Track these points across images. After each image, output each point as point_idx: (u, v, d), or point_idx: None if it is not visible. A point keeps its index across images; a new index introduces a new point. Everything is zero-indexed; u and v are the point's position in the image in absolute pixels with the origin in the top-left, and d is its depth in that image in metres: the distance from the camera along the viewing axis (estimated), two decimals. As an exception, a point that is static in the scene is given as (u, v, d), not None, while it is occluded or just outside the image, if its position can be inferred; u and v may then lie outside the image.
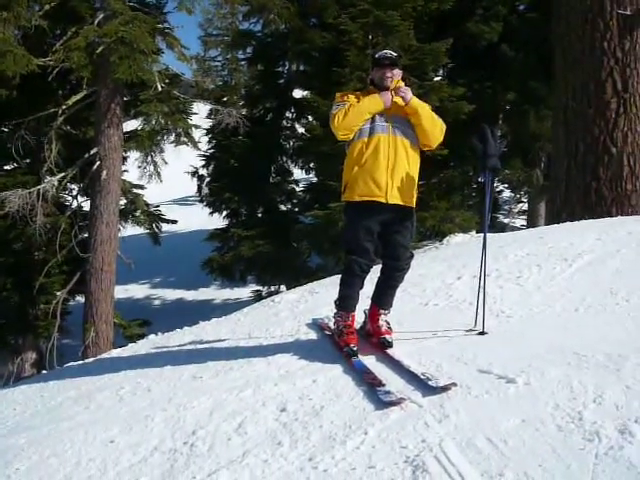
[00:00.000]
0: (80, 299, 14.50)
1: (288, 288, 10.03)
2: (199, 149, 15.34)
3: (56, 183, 13.14)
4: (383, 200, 4.41)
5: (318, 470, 3.09)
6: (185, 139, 14.11)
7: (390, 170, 4.40)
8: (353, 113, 4.41)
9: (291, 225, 14.94)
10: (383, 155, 4.39)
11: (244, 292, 17.06)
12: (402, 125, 4.48)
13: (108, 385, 5.14)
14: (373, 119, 4.46)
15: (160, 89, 12.48)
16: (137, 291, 19.45)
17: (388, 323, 4.73)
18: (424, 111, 4.48)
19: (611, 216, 9.25)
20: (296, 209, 15.74)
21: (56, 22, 12.86)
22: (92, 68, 11.96)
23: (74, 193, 14.88)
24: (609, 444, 2.80)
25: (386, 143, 4.41)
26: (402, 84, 4.60)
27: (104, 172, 12.64)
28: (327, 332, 5.20)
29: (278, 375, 4.39)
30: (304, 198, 15.55)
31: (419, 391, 3.72)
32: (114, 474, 3.48)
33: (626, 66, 10.09)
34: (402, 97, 4.44)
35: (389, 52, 4.62)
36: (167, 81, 13.29)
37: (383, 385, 3.85)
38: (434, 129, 4.52)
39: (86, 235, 13.72)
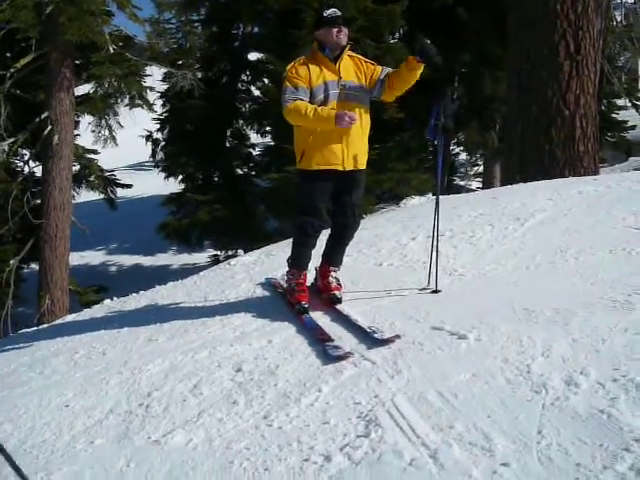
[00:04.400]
0: (34, 267, 14.30)
1: (245, 252, 10.01)
2: (154, 111, 15.10)
3: (6, 148, 12.87)
4: (340, 168, 4.46)
5: (273, 427, 3.13)
6: (140, 102, 13.87)
7: (345, 138, 4.41)
8: (305, 121, 4.31)
9: (248, 189, 14.87)
10: None
11: (201, 257, 16.98)
12: (354, 90, 4.46)
13: (62, 350, 5.09)
14: (326, 87, 4.38)
15: (112, 51, 12.22)
16: (93, 258, 19.20)
17: (338, 280, 4.83)
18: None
19: (564, 177, 9.39)
20: (252, 173, 15.63)
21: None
22: (40, 28, 11.63)
23: (25, 158, 14.59)
24: (555, 395, 2.89)
25: (340, 110, 4.38)
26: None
27: (56, 137, 12.40)
28: (279, 290, 5.25)
29: (233, 336, 4.41)
30: (260, 162, 15.45)
31: (365, 344, 3.84)
32: (69, 437, 3.47)
33: (579, 29, 10.15)
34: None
35: (336, 10, 4.46)
36: (120, 44, 13.02)
37: (332, 340, 3.96)
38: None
39: (39, 201, 13.49)
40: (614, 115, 18.26)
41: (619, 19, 17.15)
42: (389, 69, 4.58)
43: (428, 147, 16.06)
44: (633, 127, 18.11)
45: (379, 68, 4.57)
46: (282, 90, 4.42)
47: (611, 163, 17.41)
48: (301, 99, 4.31)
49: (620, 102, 18.70)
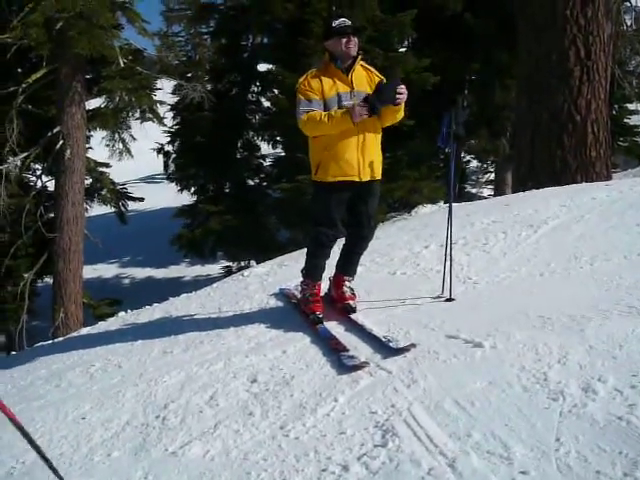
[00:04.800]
0: (48, 280, 14.36)
1: (258, 263, 10.02)
2: (164, 125, 15.19)
3: (19, 163, 12.96)
4: (357, 179, 4.45)
5: (289, 437, 3.13)
6: (150, 115, 13.95)
7: (360, 148, 4.40)
8: (323, 129, 4.29)
9: (259, 199, 14.92)
10: (352, 134, 4.36)
11: (214, 268, 17.04)
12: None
13: (78, 363, 5.11)
14: (340, 98, 4.37)
15: (122, 65, 12.30)
16: (106, 271, 19.30)
17: (352, 289, 4.82)
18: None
19: (576, 183, 9.35)
20: (264, 183, 15.68)
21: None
22: (51, 45, 11.72)
23: (38, 173, 14.67)
24: (573, 402, 2.87)
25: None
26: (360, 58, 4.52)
27: (68, 151, 12.47)
28: (293, 301, 5.25)
29: (248, 347, 4.42)
30: (271, 172, 15.51)
31: (380, 353, 3.83)
32: (87, 450, 3.49)
33: (589, 34, 10.14)
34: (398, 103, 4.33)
35: (345, 20, 4.42)
36: (130, 57, 13.10)
37: (347, 350, 3.95)
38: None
39: (52, 215, 13.56)
40: (626, 120, 18.19)
41: (629, 23, 17.11)
42: None
43: (439, 155, 16.08)
44: (645, 132, 18.05)
45: None
46: (296, 103, 4.41)
47: (623, 168, 17.32)
48: (314, 111, 4.32)
49: (632, 107, 18.63)
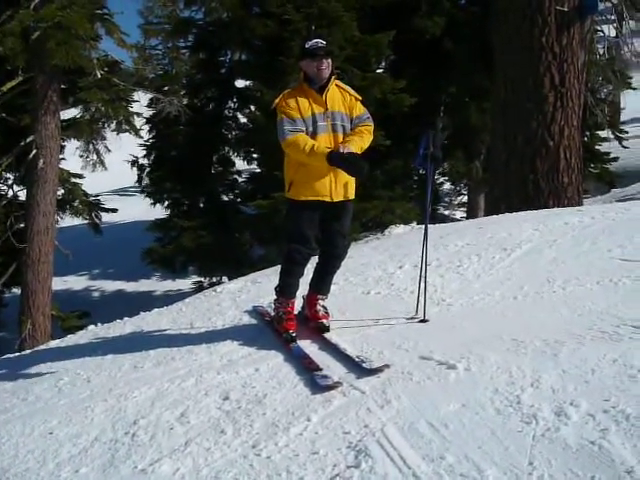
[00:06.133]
0: (16, 291, 14.15)
1: (230, 279, 9.97)
2: (141, 137, 15.09)
3: (-10, 172, 12.80)
4: (328, 199, 4.48)
5: (261, 457, 3.10)
6: (127, 127, 13.86)
7: (333, 170, 4.40)
8: (302, 155, 4.30)
9: (233, 216, 14.86)
10: None
11: (185, 283, 16.90)
12: (342, 121, 4.48)
13: (46, 377, 5.03)
14: (314, 119, 4.39)
15: (99, 76, 12.22)
16: (76, 283, 19.05)
17: (325, 308, 4.82)
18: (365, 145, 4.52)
19: (548, 208, 9.45)
20: (238, 199, 15.64)
21: (-10, 6, 12.47)
22: (27, 56, 11.61)
23: (9, 182, 14.49)
24: (546, 426, 2.88)
25: (328, 142, 4.39)
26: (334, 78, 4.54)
27: (41, 161, 12.32)
28: (267, 318, 5.23)
29: (220, 364, 4.38)
30: (246, 188, 15.48)
31: (354, 373, 3.83)
32: (53, 466, 3.43)
33: (563, 61, 10.29)
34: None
35: (319, 41, 4.41)
36: (106, 69, 13.02)
37: (320, 370, 3.95)
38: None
39: (22, 225, 13.38)
40: (597, 147, 18.45)
41: (602, 52, 17.40)
42: (361, 121, 4.57)
43: (413, 176, 16.17)
44: (615, 159, 18.31)
45: (358, 110, 4.58)
46: (278, 122, 4.41)
47: (594, 194, 17.54)
48: (301, 130, 4.34)
49: (603, 134, 18.91)
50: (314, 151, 4.26)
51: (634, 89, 18.90)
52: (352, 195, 4.61)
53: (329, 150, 4.29)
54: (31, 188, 12.67)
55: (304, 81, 4.48)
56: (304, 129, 4.36)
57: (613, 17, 15.75)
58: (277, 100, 4.48)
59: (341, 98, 4.52)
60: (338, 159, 4.26)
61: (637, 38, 15.87)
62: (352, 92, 4.62)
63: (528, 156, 10.40)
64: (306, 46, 4.43)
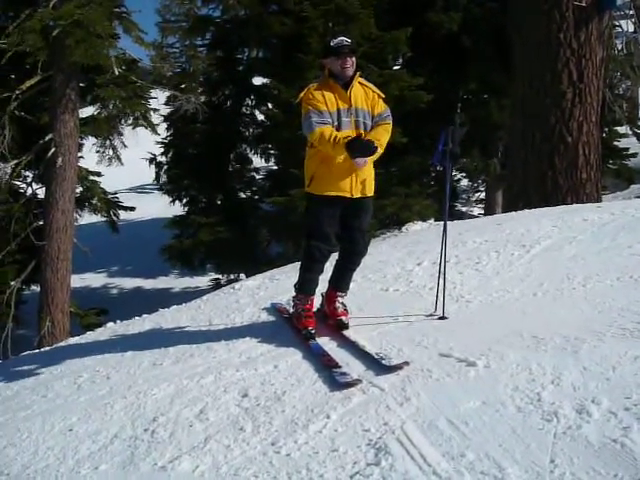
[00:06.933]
0: (35, 288, 14.25)
1: (247, 276, 9.98)
2: (157, 133, 15.13)
3: (10, 170, 12.88)
4: (348, 195, 4.48)
5: (281, 454, 3.09)
6: (143, 122, 13.90)
7: (354, 166, 4.40)
8: (332, 148, 4.29)
9: (250, 212, 14.88)
10: None
11: (203, 281, 16.95)
12: (364, 118, 4.48)
13: (66, 373, 5.06)
14: (339, 114, 4.40)
15: (117, 74, 12.27)
16: (94, 280, 19.16)
17: (344, 305, 4.81)
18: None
19: (566, 204, 9.39)
20: (256, 196, 15.65)
21: (9, 4, 12.57)
22: (48, 51, 11.71)
23: (29, 180, 14.59)
24: (567, 424, 2.86)
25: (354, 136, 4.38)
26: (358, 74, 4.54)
27: (59, 159, 12.42)
28: (285, 315, 5.23)
29: (239, 361, 4.38)
30: (264, 185, 15.49)
31: (373, 371, 3.81)
32: (73, 462, 3.44)
33: (581, 57, 10.23)
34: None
35: (344, 39, 4.44)
36: (124, 67, 13.08)
37: (339, 367, 3.93)
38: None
39: (41, 223, 13.47)
40: (615, 143, 18.30)
41: (620, 47, 17.27)
42: (381, 119, 4.56)
43: (430, 172, 16.11)
44: (634, 155, 18.15)
45: (380, 107, 4.57)
46: (304, 115, 4.41)
47: (612, 190, 17.42)
48: (329, 122, 4.34)
49: (621, 130, 18.76)
50: (340, 144, 4.24)
51: (652, 85, 18.74)
52: (371, 192, 4.60)
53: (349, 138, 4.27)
54: (50, 186, 12.76)
55: (329, 77, 4.49)
56: (331, 122, 4.36)
57: (631, 12, 15.61)
58: (302, 94, 4.49)
59: (364, 95, 4.53)
60: (355, 141, 4.24)
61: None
62: (375, 89, 4.62)
63: (546, 152, 10.35)
64: (331, 44, 4.46)
